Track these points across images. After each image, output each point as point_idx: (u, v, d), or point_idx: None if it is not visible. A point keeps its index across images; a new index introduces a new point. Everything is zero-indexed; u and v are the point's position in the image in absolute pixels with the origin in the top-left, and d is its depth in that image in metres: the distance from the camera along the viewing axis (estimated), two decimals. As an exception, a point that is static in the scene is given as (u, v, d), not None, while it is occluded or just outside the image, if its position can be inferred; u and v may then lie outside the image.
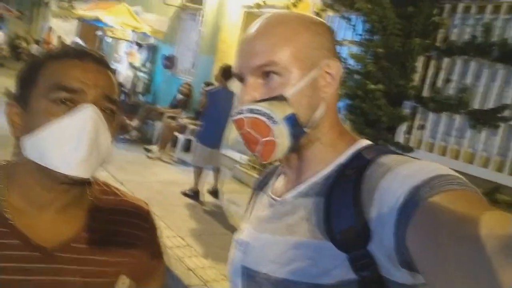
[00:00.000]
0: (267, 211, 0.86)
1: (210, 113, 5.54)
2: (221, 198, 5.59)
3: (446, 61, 4.28)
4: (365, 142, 0.82)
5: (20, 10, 20.41)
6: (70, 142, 0.78)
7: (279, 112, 0.74)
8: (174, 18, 10.06)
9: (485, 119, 3.85)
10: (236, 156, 6.72)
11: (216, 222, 4.74)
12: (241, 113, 0.76)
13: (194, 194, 5.39)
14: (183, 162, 6.99)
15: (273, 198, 0.86)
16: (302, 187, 0.81)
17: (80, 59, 0.84)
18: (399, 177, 0.64)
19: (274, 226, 0.81)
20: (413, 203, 0.58)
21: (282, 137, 0.75)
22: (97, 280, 0.91)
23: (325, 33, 0.80)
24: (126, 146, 7.15)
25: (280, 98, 0.75)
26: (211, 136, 5.44)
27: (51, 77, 0.81)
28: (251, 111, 0.75)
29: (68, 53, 0.85)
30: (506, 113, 3.78)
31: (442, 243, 0.49)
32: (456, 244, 0.46)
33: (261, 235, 0.83)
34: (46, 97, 0.80)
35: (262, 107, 0.74)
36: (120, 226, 0.97)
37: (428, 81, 4.37)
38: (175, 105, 8.33)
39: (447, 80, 4.27)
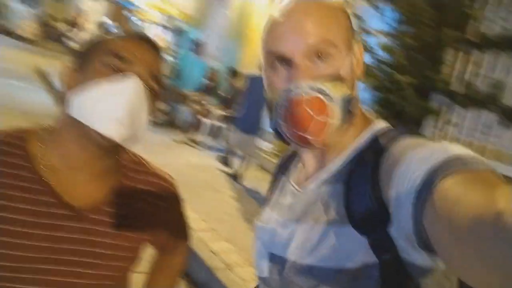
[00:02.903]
0: (290, 199, 0.87)
1: (249, 98, 5.56)
2: (244, 184, 5.69)
3: (475, 54, 4.21)
4: (380, 124, 0.83)
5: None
6: (110, 102, 0.85)
7: (337, 91, 0.74)
8: (202, 2, 10.07)
9: (514, 115, 3.80)
10: (261, 143, 6.78)
11: (241, 208, 4.82)
12: (301, 91, 0.73)
13: (234, 177, 5.69)
14: (207, 147, 7.09)
15: (295, 187, 0.88)
16: (323, 176, 0.82)
17: (138, 38, 0.94)
18: (415, 159, 0.63)
19: (299, 214, 0.82)
20: (429, 184, 0.57)
21: (334, 118, 0.74)
22: (123, 244, 0.98)
23: (349, 15, 0.81)
24: (152, 129, 7.29)
25: (338, 77, 0.75)
26: (250, 122, 5.56)
27: (109, 46, 0.90)
28: (312, 88, 0.73)
29: (129, 33, 0.95)
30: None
31: (456, 222, 0.49)
32: (472, 225, 0.46)
33: (287, 223, 0.84)
34: (100, 61, 0.89)
35: (322, 84, 0.73)
36: (146, 195, 1.03)
37: (456, 74, 4.31)
38: (201, 90, 8.42)
39: (476, 74, 4.21)
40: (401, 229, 0.65)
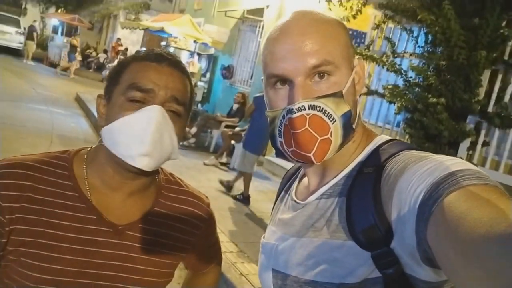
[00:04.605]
0: (291, 214, 0.86)
1: (257, 119, 5.55)
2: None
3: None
4: (383, 138, 0.82)
5: (91, 21, 21.75)
6: (136, 137, 0.88)
7: (338, 109, 0.74)
8: (234, 29, 10.31)
9: (556, 137, 3.63)
10: (285, 164, 6.74)
11: (269, 230, 4.76)
12: (302, 110, 0.73)
13: (244, 199, 5.52)
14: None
15: (296, 202, 0.87)
16: (324, 189, 0.81)
17: (158, 62, 0.93)
18: (417, 174, 0.62)
19: (299, 229, 0.82)
20: (432, 200, 0.57)
21: (336, 135, 0.74)
22: (160, 261, 1.00)
23: (347, 30, 0.81)
24: (184, 152, 7.38)
25: (338, 95, 0.74)
26: (258, 143, 5.54)
27: (130, 77, 0.92)
28: (313, 107, 0.73)
29: (149, 56, 0.95)
30: None
31: (461, 239, 0.48)
32: (478, 242, 0.46)
33: (288, 238, 0.84)
34: (123, 95, 0.91)
35: (323, 103, 0.73)
36: (181, 213, 1.05)
37: (494, 96, 4.18)
38: (232, 114, 8.51)
39: (514, 95, 4.07)
40: (404, 244, 0.64)
